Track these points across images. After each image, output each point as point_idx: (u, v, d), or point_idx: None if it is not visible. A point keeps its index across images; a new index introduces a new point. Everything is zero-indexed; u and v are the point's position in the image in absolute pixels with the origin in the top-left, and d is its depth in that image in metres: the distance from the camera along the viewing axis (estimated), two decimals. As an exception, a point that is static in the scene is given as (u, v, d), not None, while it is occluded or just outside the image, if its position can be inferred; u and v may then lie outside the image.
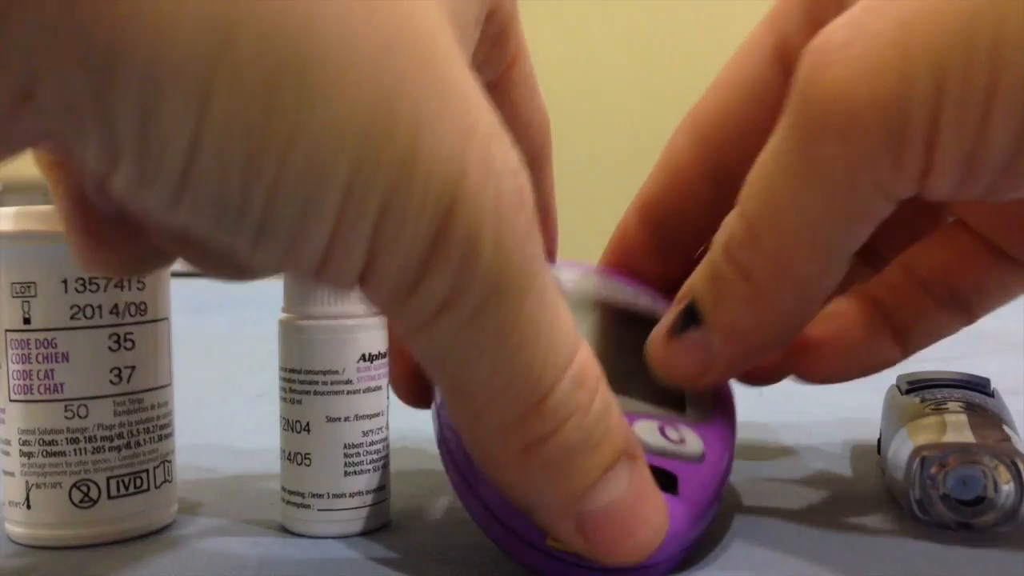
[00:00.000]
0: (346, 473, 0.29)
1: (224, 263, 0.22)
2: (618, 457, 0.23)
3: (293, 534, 0.29)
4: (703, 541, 0.27)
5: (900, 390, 0.34)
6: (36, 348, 0.28)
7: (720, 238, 0.27)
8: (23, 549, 0.29)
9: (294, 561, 0.27)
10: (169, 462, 0.30)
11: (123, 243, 0.22)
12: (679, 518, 0.25)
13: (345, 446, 0.29)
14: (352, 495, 0.29)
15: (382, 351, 0.29)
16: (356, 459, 0.29)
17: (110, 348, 0.28)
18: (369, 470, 0.29)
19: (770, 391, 0.49)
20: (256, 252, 0.19)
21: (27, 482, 0.28)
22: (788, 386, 0.50)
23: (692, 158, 0.33)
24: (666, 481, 0.25)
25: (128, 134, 0.17)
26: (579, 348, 0.22)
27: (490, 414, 0.22)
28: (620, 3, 1.60)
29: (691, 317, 0.27)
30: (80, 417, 0.28)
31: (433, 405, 0.30)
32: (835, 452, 0.37)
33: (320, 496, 0.29)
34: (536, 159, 0.29)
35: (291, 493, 0.29)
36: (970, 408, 0.31)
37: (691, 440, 0.27)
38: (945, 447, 0.28)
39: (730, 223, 0.27)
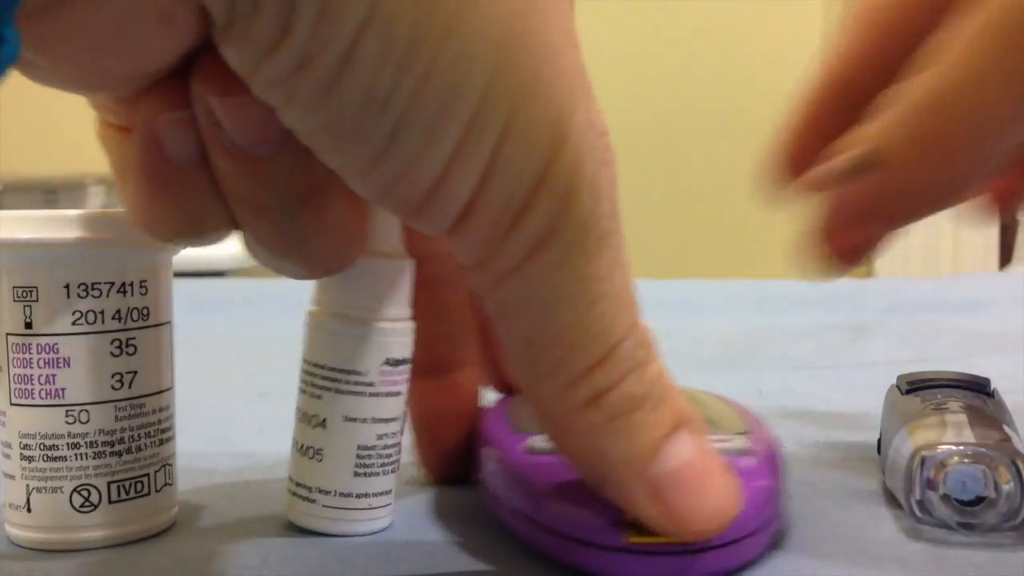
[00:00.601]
0: (356, 474, 0.29)
1: (285, 235, 0.22)
2: (679, 424, 0.23)
3: (299, 530, 0.29)
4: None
5: (900, 390, 0.34)
6: (37, 353, 0.28)
7: (915, 93, 0.26)
8: (23, 551, 0.29)
9: (296, 562, 0.27)
10: (170, 465, 0.30)
11: (185, 195, 0.22)
12: (745, 499, 0.25)
13: (359, 447, 0.29)
14: (359, 496, 0.29)
15: (407, 357, 0.29)
16: (367, 461, 0.29)
17: (112, 354, 0.28)
18: (378, 473, 0.29)
19: (770, 391, 0.49)
20: (376, 167, 0.20)
21: (27, 486, 0.28)
22: (788, 386, 0.50)
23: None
24: None
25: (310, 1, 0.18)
26: (640, 312, 0.23)
27: (562, 367, 0.22)
28: (620, 3, 1.60)
29: (869, 162, 0.27)
30: (81, 422, 0.28)
31: (478, 473, 0.31)
32: (835, 452, 0.37)
33: (327, 493, 0.29)
34: None
35: (298, 485, 0.29)
36: (970, 408, 0.31)
37: (735, 439, 0.29)
38: (945, 447, 0.28)
39: (929, 79, 0.26)
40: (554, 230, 0.21)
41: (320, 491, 0.29)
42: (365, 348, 0.28)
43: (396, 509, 0.30)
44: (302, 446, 0.29)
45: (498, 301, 0.22)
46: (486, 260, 0.21)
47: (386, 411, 0.29)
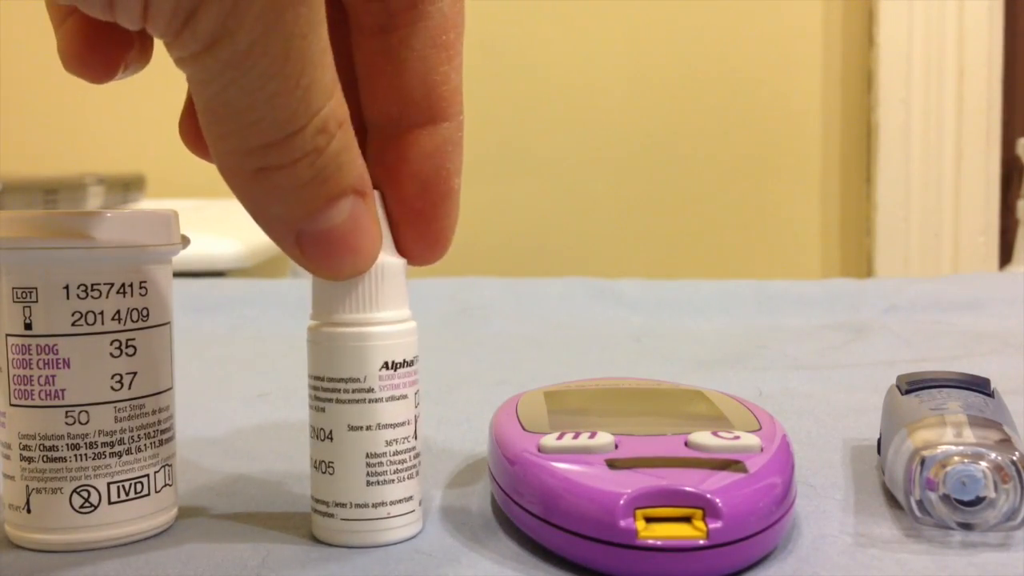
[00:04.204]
0: (368, 483, 0.28)
1: None
2: (345, 192, 0.26)
3: (298, 531, 0.29)
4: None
5: (900, 390, 0.34)
6: (37, 354, 0.28)
7: None
8: (23, 552, 0.29)
9: (296, 562, 0.27)
10: (170, 466, 0.30)
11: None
12: (756, 495, 0.26)
13: (367, 455, 0.28)
14: (375, 506, 0.28)
15: (408, 359, 0.29)
16: (379, 469, 0.28)
17: (111, 355, 0.28)
18: (393, 481, 0.28)
19: (770, 391, 0.49)
20: None
21: (27, 486, 0.28)
22: (788, 386, 0.50)
23: None
24: (734, 465, 0.27)
25: None
26: (331, 96, 0.25)
27: (234, 138, 0.24)
28: (620, 3, 1.60)
29: None
30: (81, 423, 0.28)
31: (488, 473, 0.32)
32: (835, 452, 0.37)
33: (343, 506, 0.28)
34: (433, 119, 0.29)
35: (317, 501, 0.29)
36: (970, 408, 0.31)
37: (746, 437, 0.29)
38: (945, 447, 0.28)
39: None
40: (227, 33, 0.23)
41: (336, 504, 0.28)
42: (361, 354, 0.28)
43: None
44: (316, 461, 0.29)
45: (186, 75, 0.24)
46: (171, 46, 0.24)
47: (392, 416, 0.28)
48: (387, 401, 0.28)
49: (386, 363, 0.28)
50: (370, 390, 0.28)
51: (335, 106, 0.25)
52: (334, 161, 0.25)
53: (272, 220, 0.26)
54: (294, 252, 0.27)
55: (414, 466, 0.29)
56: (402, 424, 0.29)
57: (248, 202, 0.26)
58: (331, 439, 0.28)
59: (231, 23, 0.23)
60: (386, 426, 0.28)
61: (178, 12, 0.23)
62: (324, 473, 0.28)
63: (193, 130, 0.28)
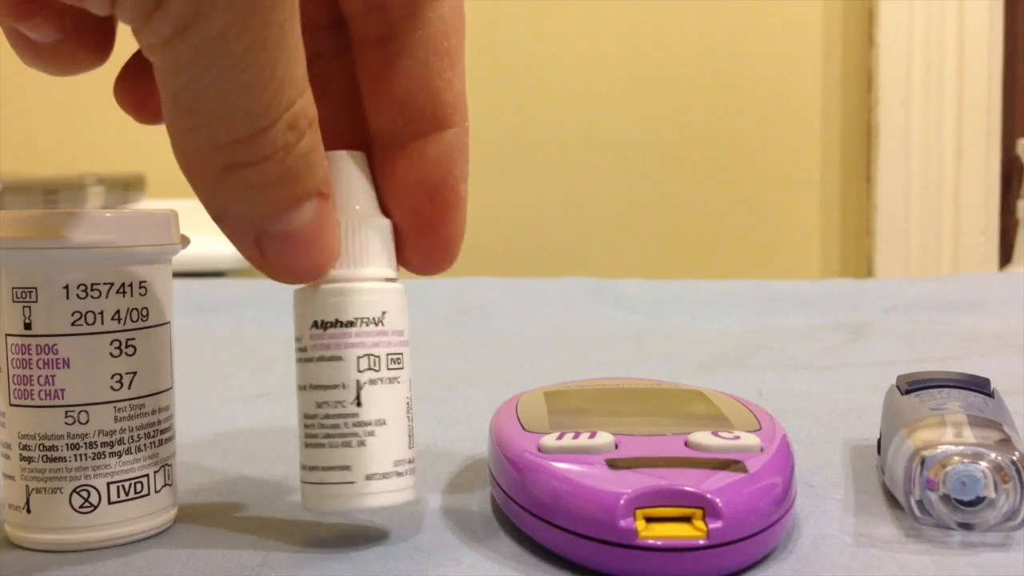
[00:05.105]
0: (306, 444, 0.28)
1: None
2: (311, 193, 0.25)
3: (298, 531, 0.29)
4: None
5: (900, 390, 0.34)
6: (36, 354, 0.28)
7: None
8: (23, 552, 0.29)
9: (296, 562, 0.27)
10: (169, 466, 0.30)
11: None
12: (756, 495, 0.26)
13: (304, 416, 0.28)
14: (309, 469, 0.27)
15: (343, 319, 0.27)
16: (311, 431, 0.27)
17: (111, 354, 0.28)
18: (323, 445, 0.27)
19: (770, 391, 0.49)
20: None
21: (27, 486, 0.28)
22: (788, 386, 0.50)
23: None
24: (734, 465, 0.27)
25: None
26: (303, 93, 0.24)
27: (203, 132, 0.24)
28: (620, 3, 1.60)
29: None
30: (80, 423, 0.28)
31: (488, 473, 0.31)
32: (835, 452, 0.37)
33: (300, 466, 0.28)
34: (438, 126, 0.29)
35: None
36: (970, 408, 0.31)
37: (746, 437, 0.29)
38: (945, 447, 0.28)
39: None
40: (200, 16, 0.22)
41: (299, 463, 0.28)
42: (298, 313, 0.28)
43: (400, 508, 0.30)
44: None
45: (155, 64, 0.23)
46: (140, 33, 0.23)
47: (320, 378, 0.27)
48: (317, 362, 0.27)
49: (315, 322, 0.27)
50: (304, 349, 0.28)
51: (306, 103, 0.24)
52: (303, 160, 0.25)
53: (233, 220, 0.25)
54: (253, 253, 0.26)
55: (354, 435, 0.27)
56: (334, 387, 0.27)
57: (210, 200, 0.25)
58: (296, 396, 0.28)
59: (204, 6, 0.22)
60: (316, 387, 0.27)
61: None
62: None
63: (130, 93, 0.28)
